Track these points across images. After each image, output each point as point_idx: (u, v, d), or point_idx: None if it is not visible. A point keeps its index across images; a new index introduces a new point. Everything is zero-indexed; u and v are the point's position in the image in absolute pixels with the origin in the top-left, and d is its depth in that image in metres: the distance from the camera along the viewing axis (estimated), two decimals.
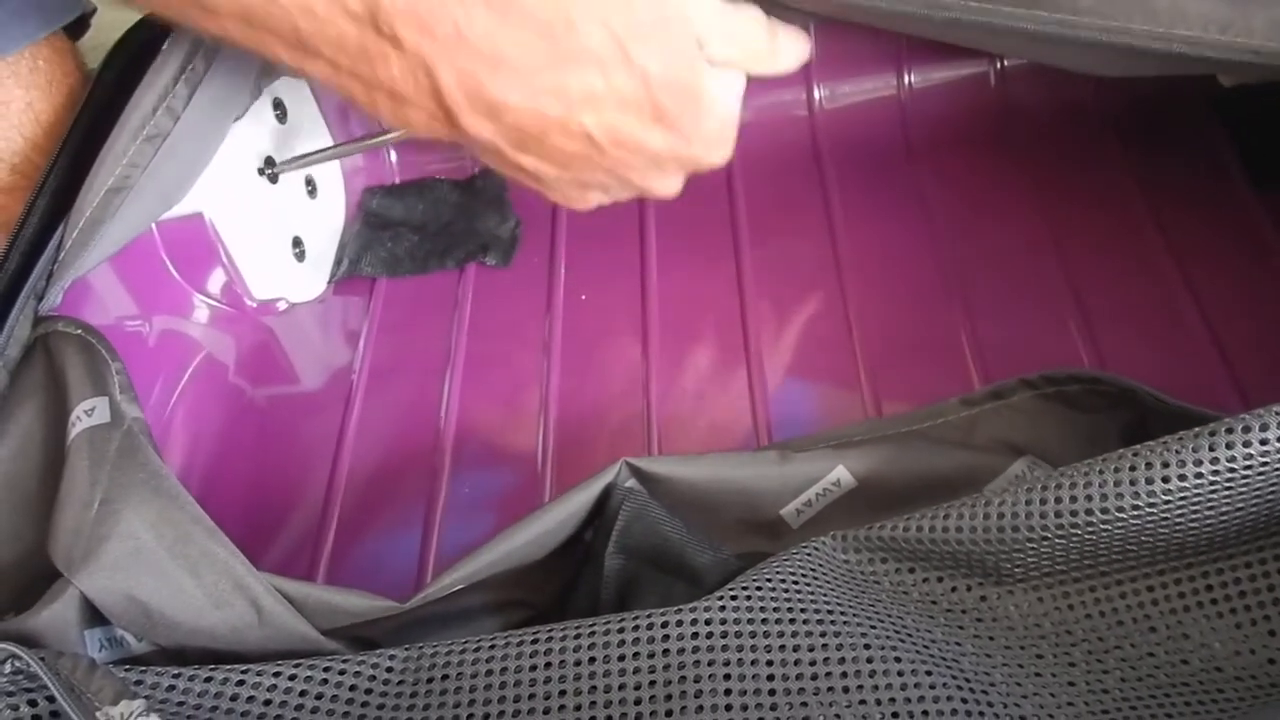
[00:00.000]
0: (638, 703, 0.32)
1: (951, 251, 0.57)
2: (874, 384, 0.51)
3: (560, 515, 0.39)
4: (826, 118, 0.66)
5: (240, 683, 0.32)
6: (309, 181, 0.63)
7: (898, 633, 0.35)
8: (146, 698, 0.28)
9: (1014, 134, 0.63)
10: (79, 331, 0.41)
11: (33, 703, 0.30)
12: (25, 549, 0.36)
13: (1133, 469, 0.34)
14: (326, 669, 0.33)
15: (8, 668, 0.29)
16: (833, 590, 0.36)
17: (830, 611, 0.35)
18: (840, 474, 0.42)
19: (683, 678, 0.33)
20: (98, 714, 0.27)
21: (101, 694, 0.28)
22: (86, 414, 0.37)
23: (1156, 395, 0.42)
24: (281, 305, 0.60)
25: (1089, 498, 0.34)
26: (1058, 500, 0.34)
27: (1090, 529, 0.34)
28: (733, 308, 0.57)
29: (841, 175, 0.63)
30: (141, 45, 0.51)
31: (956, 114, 0.65)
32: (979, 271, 0.56)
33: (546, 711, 0.32)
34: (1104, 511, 0.34)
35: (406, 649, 0.34)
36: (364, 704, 0.33)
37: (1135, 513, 0.34)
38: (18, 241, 0.43)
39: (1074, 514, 0.34)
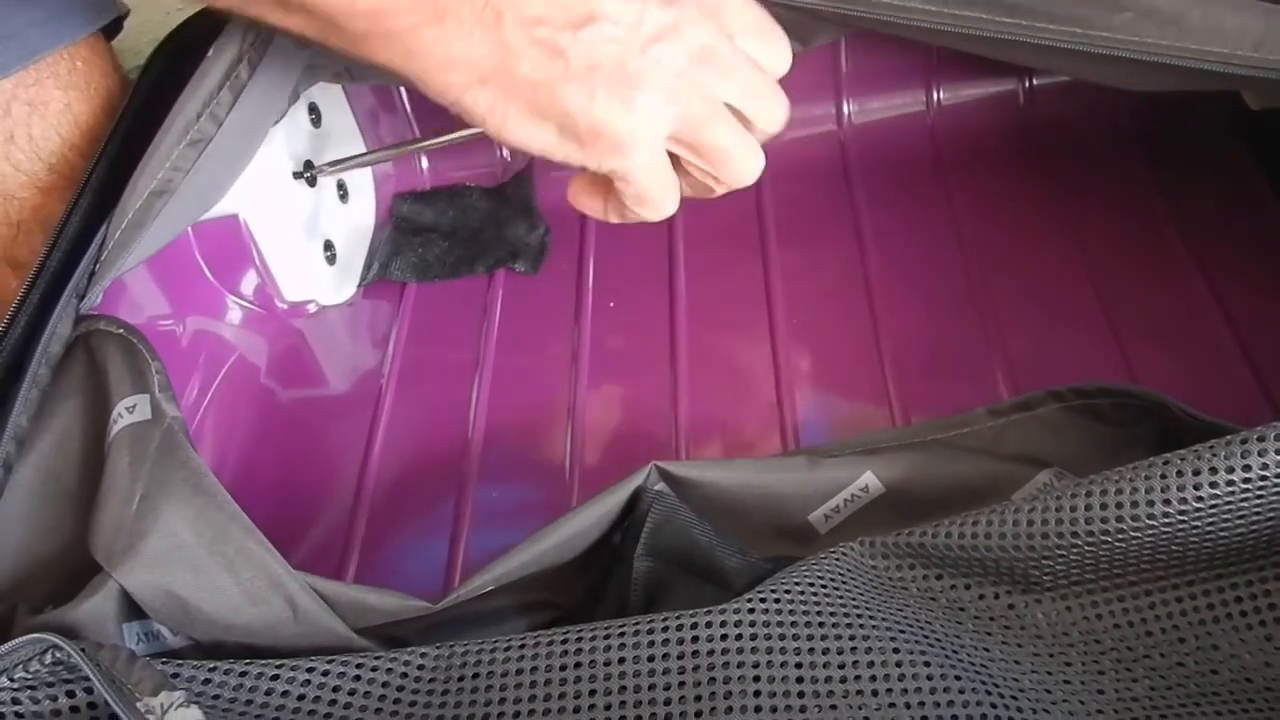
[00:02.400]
0: (667, 703, 0.32)
1: (979, 264, 0.57)
2: (901, 394, 0.52)
3: (590, 518, 0.39)
4: (855, 132, 0.66)
5: (274, 677, 0.32)
6: (341, 186, 0.64)
7: (926, 638, 0.35)
8: (184, 690, 0.28)
9: (1041, 150, 0.63)
10: (120, 330, 0.42)
11: (71, 693, 0.30)
12: (64, 543, 0.37)
13: (1163, 476, 0.34)
14: (359, 665, 0.33)
15: (48, 658, 0.30)
16: (861, 595, 0.36)
17: (859, 616, 0.35)
18: (869, 480, 0.42)
19: (712, 679, 0.33)
20: (138, 704, 0.27)
21: (141, 685, 0.28)
22: (128, 411, 0.37)
23: (1187, 410, 0.42)
24: (312, 308, 0.60)
25: (1119, 504, 0.34)
26: (1087, 507, 0.34)
27: (1120, 536, 0.34)
28: (760, 316, 0.57)
29: (870, 189, 0.63)
30: (181, 49, 0.52)
31: (985, 130, 0.65)
32: (1006, 284, 0.56)
33: (576, 710, 0.32)
34: (1134, 519, 0.34)
35: (437, 647, 0.35)
36: (395, 700, 0.33)
37: (1165, 520, 0.34)
38: (59, 241, 0.43)
39: (1104, 520, 0.34)
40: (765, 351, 0.55)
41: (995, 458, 0.44)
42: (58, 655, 0.30)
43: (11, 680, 0.30)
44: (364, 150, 0.64)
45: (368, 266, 0.63)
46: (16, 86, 0.48)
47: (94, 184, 0.46)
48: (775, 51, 0.40)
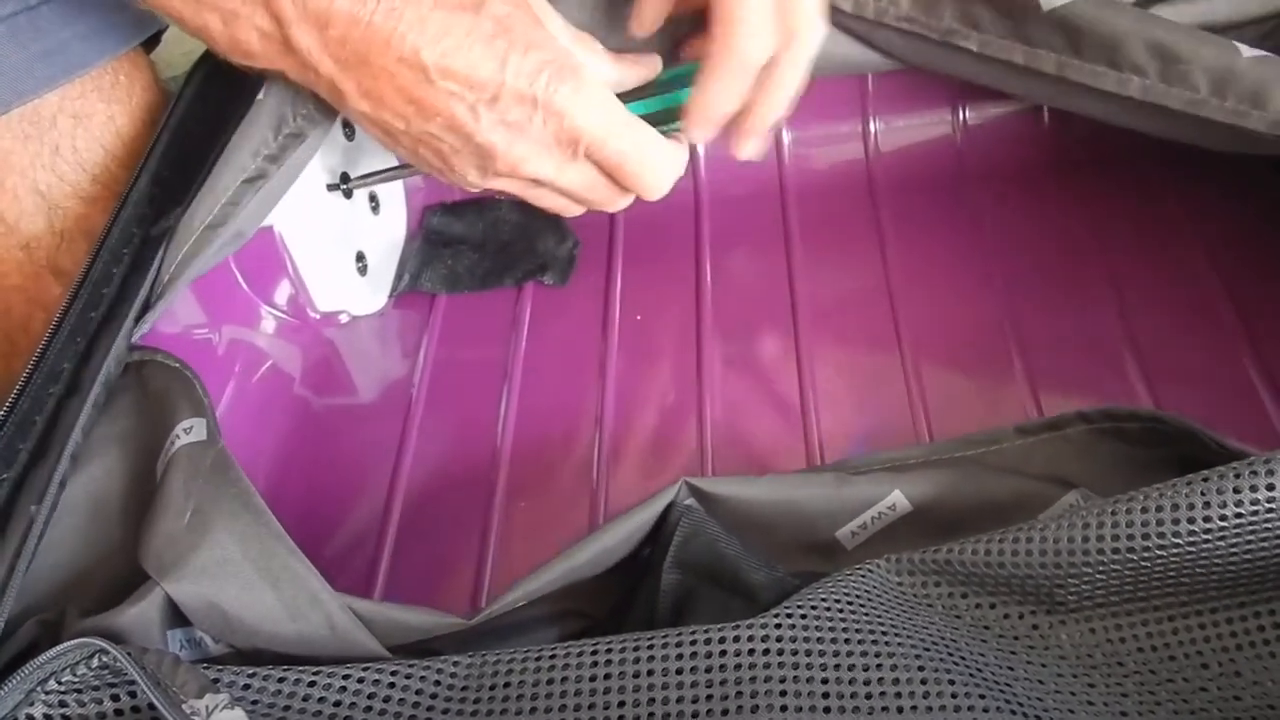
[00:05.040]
0: (695, 715, 0.33)
1: (1004, 283, 0.58)
2: (928, 410, 0.52)
3: (621, 533, 0.40)
4: (882, 152, 0.67)
5: (311, 684, 0.33)
6: (372, 198, 0.65)
7: (950, 655, 0.35)
8: (227, 693, 0.29)
9: (1069, 170, 0.64)
10: (176, 364, 0.44)
11: (116, 697, 0.31)
12: (110, 554, 0.37)
13: (1189, 495, 0.34)
14: (394, 673, 0.34)
15: (95, 661, 0.31)
16: (887, 612, 0.37)
17: (885, 632, 0.35)
18: (896, 498, 0.42)
19: (739, 692, 0.33)
20: (184, 706, 0.28)
21: (186, 688, 0.29)
22: (185, 432, 0.39)
23: (1214, 437, 0.42)
24: (344, 318, 0.61)
25: (1145, 523, 0.34)
26: (1114, 525, 0.35)
27: (1146, 555, 0.35)
28: (785, 330, 0.57)
29: (896, 208, 0.64)
30: (219, 64, 0.53)
31: (1011, 150, 0.66)
32: (1033, 304, 0.56)
33: None
34: (1160, 538, 0.34)
35: (470, 656, 0.35)
36: (429, 708, 0.34)
37: (1190, 539, 0.34)
38: (101, 251, 0.44)
39: (1130, 539, 0.35)
40: (791, 365, 0.56)
41: (1023, 477, 0.44)
42: (104, 659, 0.30)
43: (59, 683, 0.31)
44: (396, 164, 0.64)
45: (398, 277, 0.64)
46: (62, 99, 0.49)
47: (135, 196, 0.47)
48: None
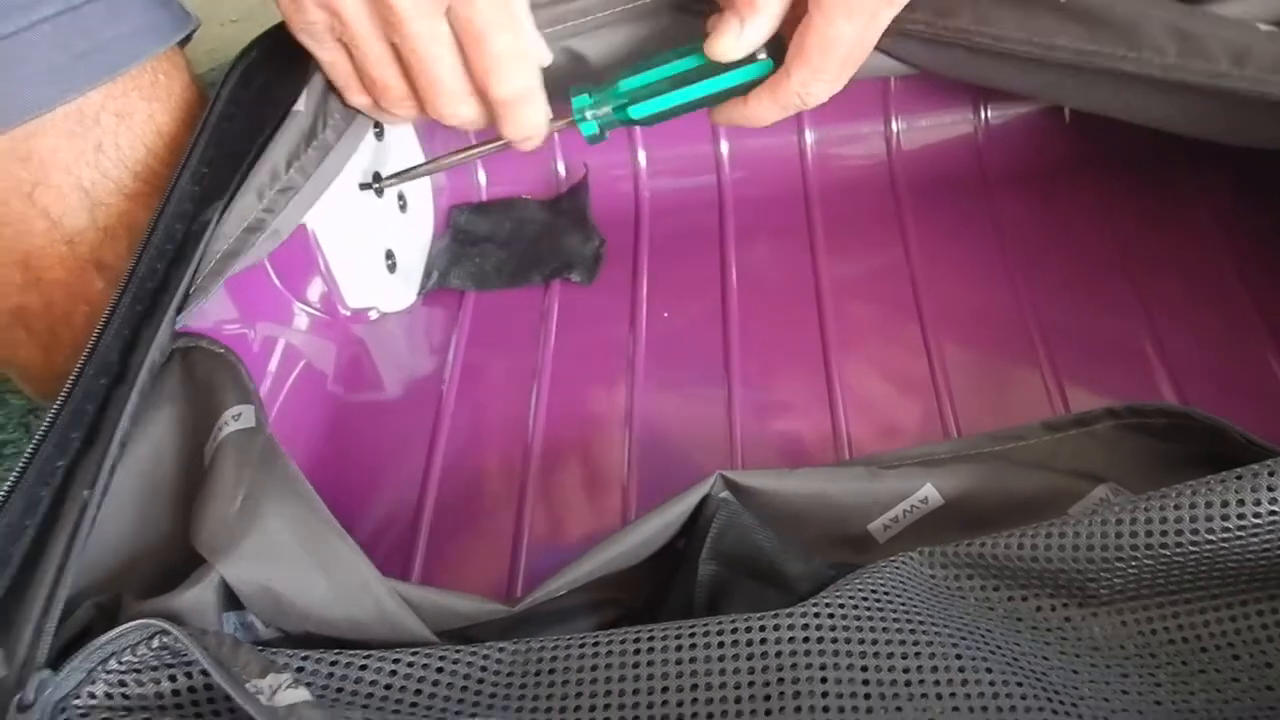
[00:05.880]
0: (737, 701, 0.33)
1: (1028, 283, 0.59)
2: (954, 406, 0.53)
3: (659, 524, 0.41)
4: (904, 150, 0.67)
5: (363, 667, 0.34)
6: (400, 197, 0.65)
7: (985, 645, 0.36)
8: (290, 673, 0.29)
9: (1091, 170, 0.64)
10: (222, 350, 0.45)
11: (173, 677, 0.32)
12: (161, 538, 0.38)
13: (1222, 493, 0.35)
14: (442, 658, 0.35)
15: (155, 642, 0.31)
16: (922, 602, 0.37)
17: (921, 622, 0.36)
18: (928, 491, 0.43)
19: (780, 679, 0.34)
20: (247, 686, 0.29)
21: (249, 668, 0.29)
22: (234, 419, 0.40)
23: (1246, 435, 0.42)
24: (373, 314, 0.62)
25: (1178, 519, 0.35)
26: (1147, 521, 0.35)
27: (1178, 550, 0.35)
28: (811, 327, 0.58)
29: (918, 206, 0.64)
30: (254, 65, 0.54)
31: (1033, 150, 0.66)
32: (1058, 304, 0.57)
33: (650, 706, 0.34)
34: (1193, 533, 0.35)
35: (515, 643, 0.36)
36: (476, 692, 0.34)
37: (1224, 535, 0.35)
38: (146, 247, 0.45)
39: (1163, 534, 0.35)
40: (817, 361, 0.56)
41: (1052, 472, 0.45)
42: (164, 640, 0.31)
43: (119, 663, 0.31)
44: (425, 160, 0.65)
45: (427, 275, 0.64)
46: (105, 98, 0.50)
47: (177, 193, 0.48)
48: None
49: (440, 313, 0.63)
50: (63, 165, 0.49)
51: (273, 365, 0.55)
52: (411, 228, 0.66)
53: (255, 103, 0.52)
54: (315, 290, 0.59)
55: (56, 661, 0.31)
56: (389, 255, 0.63)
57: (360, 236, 0.61)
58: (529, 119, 0.49)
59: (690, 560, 0.41)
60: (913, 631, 0.35)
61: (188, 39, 0.57)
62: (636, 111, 0.51)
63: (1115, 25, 0.48)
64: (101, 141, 0.50)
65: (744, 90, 0.49)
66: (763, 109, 0.48)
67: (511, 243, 0.65)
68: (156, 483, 0.39)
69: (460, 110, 0.48)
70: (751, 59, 0.48)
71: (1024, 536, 0.38)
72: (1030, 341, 0.55)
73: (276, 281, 0.57)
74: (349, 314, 0.61)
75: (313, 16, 0.45)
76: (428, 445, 0.56)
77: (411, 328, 0.63)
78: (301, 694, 0.28)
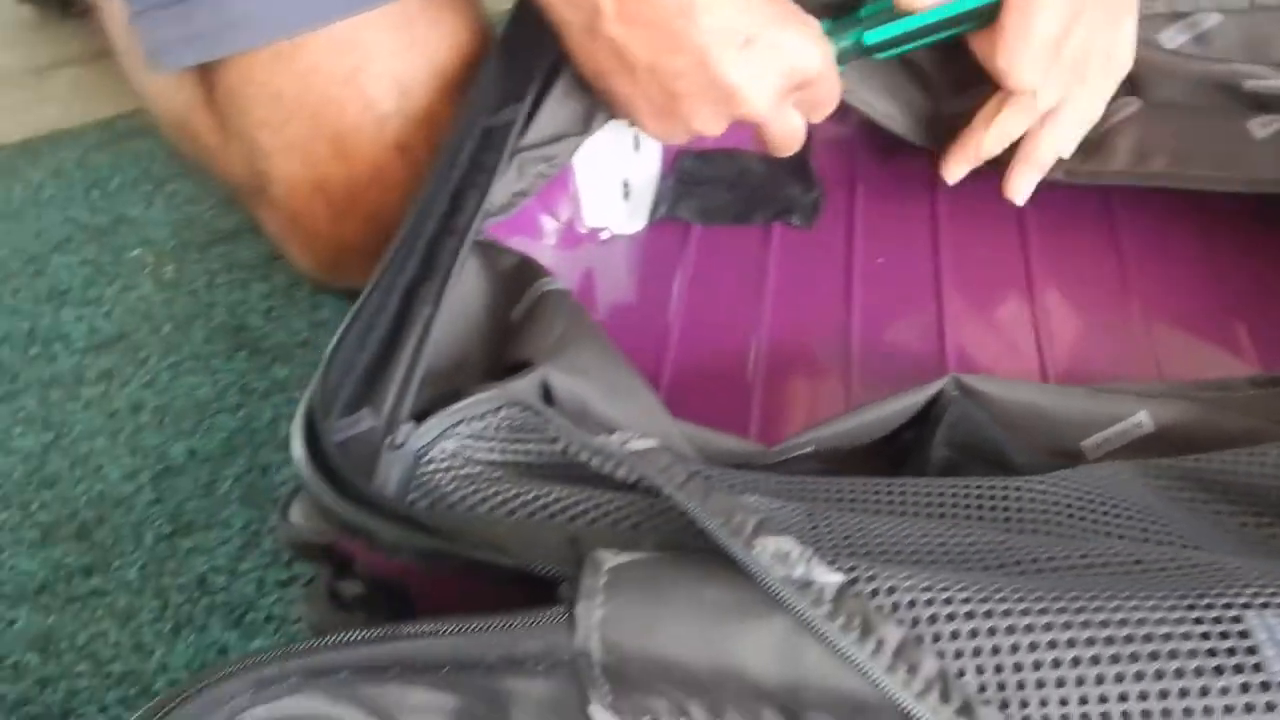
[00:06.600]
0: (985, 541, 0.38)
1: (1140, 291, 0.62)
2: (1159, 362, 0.56)
3: (897, 407, 0.46)
4: None
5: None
6: (635, 137, 0.71)
7: (1198, 534, 0.39)
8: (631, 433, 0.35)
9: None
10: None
11: (513, 442, 0.37)
12: (464, 360, 0.44)
13: None
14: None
15: (500, 414, 0.37)
16: (1141, 496, 0.41)
17: (1145, 507, 0.40)
18: (1143, 418, 0.47)
19: (1020, 529, 0.38)
20: (596, 440, 0.34)
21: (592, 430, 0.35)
22: (549, 282, 0.47)
23: None
24: (604, 234, 0.68)
25: None
26: None
27: None
28: (1018, 277, 0.62)
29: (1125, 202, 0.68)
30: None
31: None
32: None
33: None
34: None
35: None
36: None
37: None
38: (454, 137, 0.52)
39: None
40: (1025, 300, 0.61)
41: (1258, 419, 0.48)
42: (507, 413, 0.37)
43: (468, 428, 0.37)
44: None
45: (655, 206, 0.70)
46: (422, 3, 0.57)
47: (479, 93, 0.54)
48: None
49: (668, 240, 0.69)
50: (382, 55, 0.56)
51: None
52: (643, 165, 0.72)
53: (539, 27, 0.59)
54: (563, 208, 0.65)
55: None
56: (625, 184, 0.69)
57: (603, 162, 0.67)
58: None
59: (923, 445, 0.46)
60: (1139, 512, 0.39)
61: None
62: (871, 37, 0.55)
63: None
64: (414, 39, 0.57)
65: (972, 18, 0.54)
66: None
67: (736, 187, 0.71)
68: (469, 319, 0.46)
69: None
70: None
71: (1236, 456, 0.42)
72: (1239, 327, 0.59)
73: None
74: (585, 231, 0.67)
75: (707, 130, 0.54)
76: (655, 360, 0.61)
77: (642, 249, 0.68)
78: (650, 442, 0.33)
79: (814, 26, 0.51)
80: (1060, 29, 0.51)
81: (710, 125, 0.52)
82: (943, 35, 0.56)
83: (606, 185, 0.67)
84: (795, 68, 0.49)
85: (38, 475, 0.60)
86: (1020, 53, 0.52)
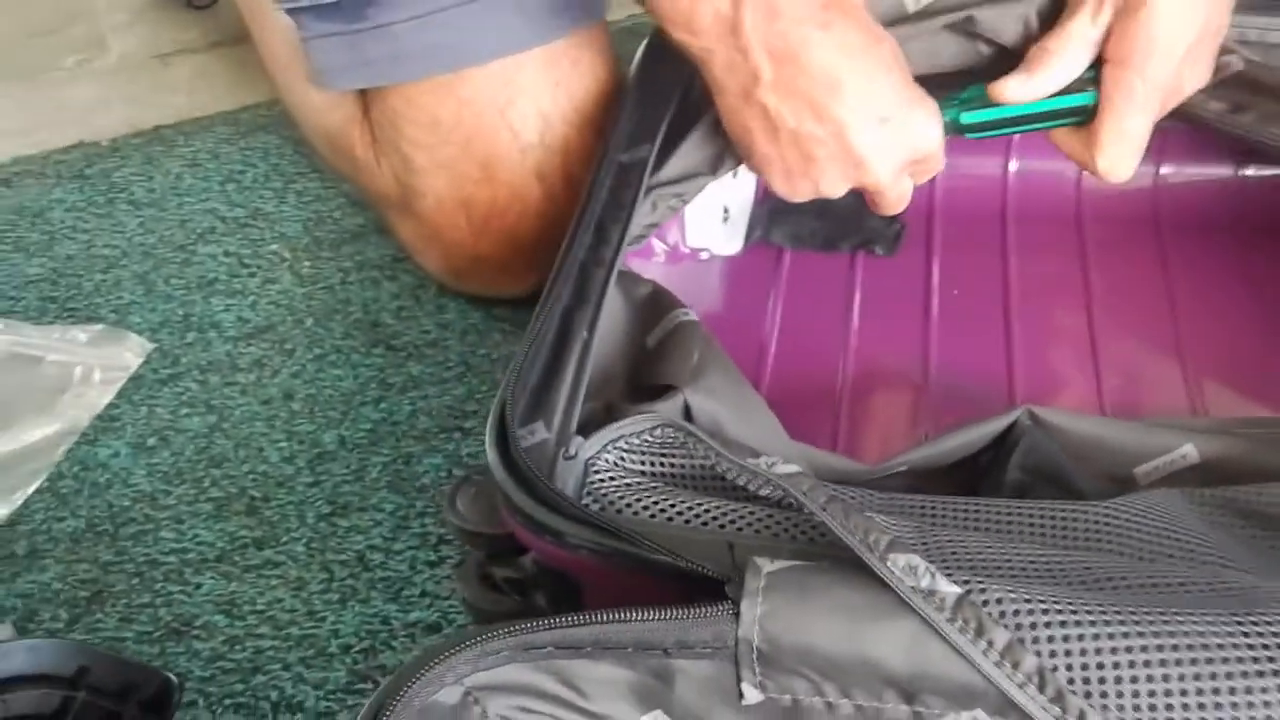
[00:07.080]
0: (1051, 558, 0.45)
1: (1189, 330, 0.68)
2: (1203, 399, 0.63)
3: (976, 434, 0.53)
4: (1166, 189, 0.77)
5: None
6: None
7: (1245, 558, 0.46)
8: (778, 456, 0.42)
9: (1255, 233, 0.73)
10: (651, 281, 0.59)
11: (656, 461, 0.45)
12: (606, 381, 0.52)
13: None
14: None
15: (657, 432, 0.45)
16: (1193, 522, 0.48)
17: (1199, 533, 0.47)
18: (1189, 450, 0.53)
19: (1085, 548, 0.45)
20: (746, 461, 0.41)
21: (742, 452, 0.42)
22: (684, 312, 0.54)
23: None
24: (705, 255, 0.75)
25: None
26: None
27: None
28: (1079, 311, 0.69)
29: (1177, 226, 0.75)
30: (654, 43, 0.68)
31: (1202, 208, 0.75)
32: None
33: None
34: None
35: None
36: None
37: None
38: (598, 172, 0.59)
39: None
40: (1084, 339, 0.67)
41: None
42: (662, 432, 0.45)
43: (626, 443, 0.45)
44: None
45: (750, 230, 0.77)
46: (567, 46, 0.66)
47: (617, 134, 0.61)
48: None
49: (762, 263, 0.76)
50: (531, 91, 0.64)
51: None
52: (740, 191, 0.79)
53: (665, 71, 0.66)
54: (672, 232, 0.73)
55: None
56: (725, 209, 0.76)
57: (705, 191, 0.74)
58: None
59: (999, 466, 0.53)
60: (1193, 535, 0.46)
61: None
62: (968, 117, 0.62)
63: None
64: (559, 78, 0.65)
65: (1066, 115, 0.60)
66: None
67: (824, 215, 0.78)
68: (611, 341, 0.54)
69: None
70: (1079, 89, 0.59)
71: (1268, 489, 0.48)
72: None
73: None
74: (687, 251, 0.74)
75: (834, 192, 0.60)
76: (753, 372, 0.67)
77: (739, 271, 0.76)
78: (792, 468, 0.41)
79: (934, 108, 0.56)
80: (1152, 120, 0.56)
81: (835, 188, 0.58)
82: (1035, 127, 0.61)
83: (708, 210, 0.75)
84: (919, 146, 0.55)
85: (206, 454, 0.68)
86: (1118, 157, 0.57)
